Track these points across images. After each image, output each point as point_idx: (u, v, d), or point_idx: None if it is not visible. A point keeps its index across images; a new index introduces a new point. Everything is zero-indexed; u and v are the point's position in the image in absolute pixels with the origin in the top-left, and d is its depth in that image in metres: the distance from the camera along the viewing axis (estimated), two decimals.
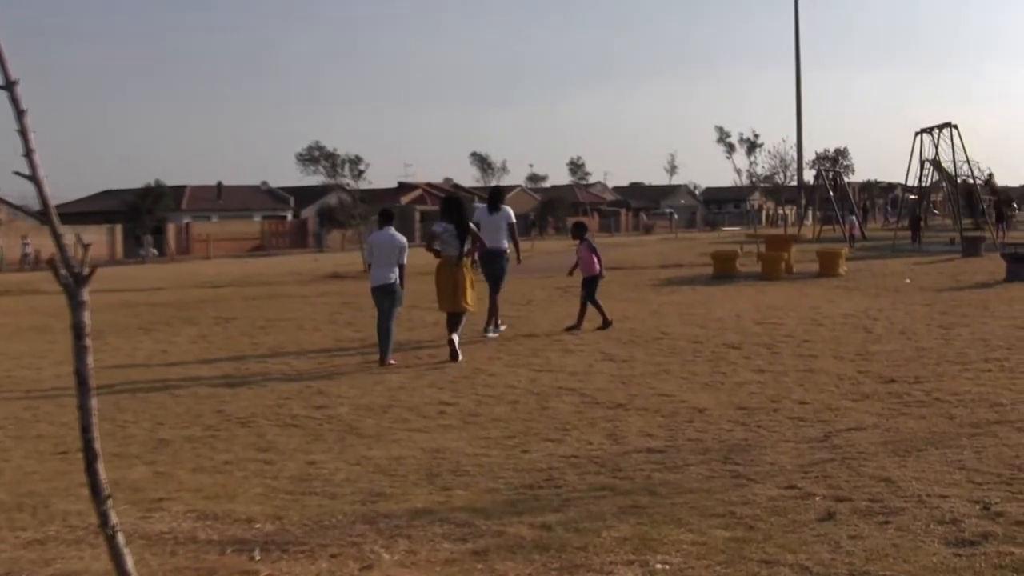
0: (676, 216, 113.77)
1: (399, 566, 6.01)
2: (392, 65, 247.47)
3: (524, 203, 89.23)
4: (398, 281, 14.90)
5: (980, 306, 19.01)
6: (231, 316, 22.63)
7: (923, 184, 48.05)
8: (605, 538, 6.28)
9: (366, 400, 11.66)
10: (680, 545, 6.11)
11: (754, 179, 66.35)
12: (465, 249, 14.93)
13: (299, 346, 16.79)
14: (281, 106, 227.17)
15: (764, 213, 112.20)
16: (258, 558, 6.22)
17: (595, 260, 17.68)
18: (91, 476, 4.11)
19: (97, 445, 4.18)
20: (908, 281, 25.33)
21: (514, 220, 17.59)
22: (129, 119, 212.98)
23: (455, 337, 14.69)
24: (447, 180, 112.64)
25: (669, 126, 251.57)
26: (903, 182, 51.50)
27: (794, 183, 70.53)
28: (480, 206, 18.41)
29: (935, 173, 47.91)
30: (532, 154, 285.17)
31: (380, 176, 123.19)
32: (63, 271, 4.02)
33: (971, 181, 47.97)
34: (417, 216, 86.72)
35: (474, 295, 15.12)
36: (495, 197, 18.10)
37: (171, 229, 77.64)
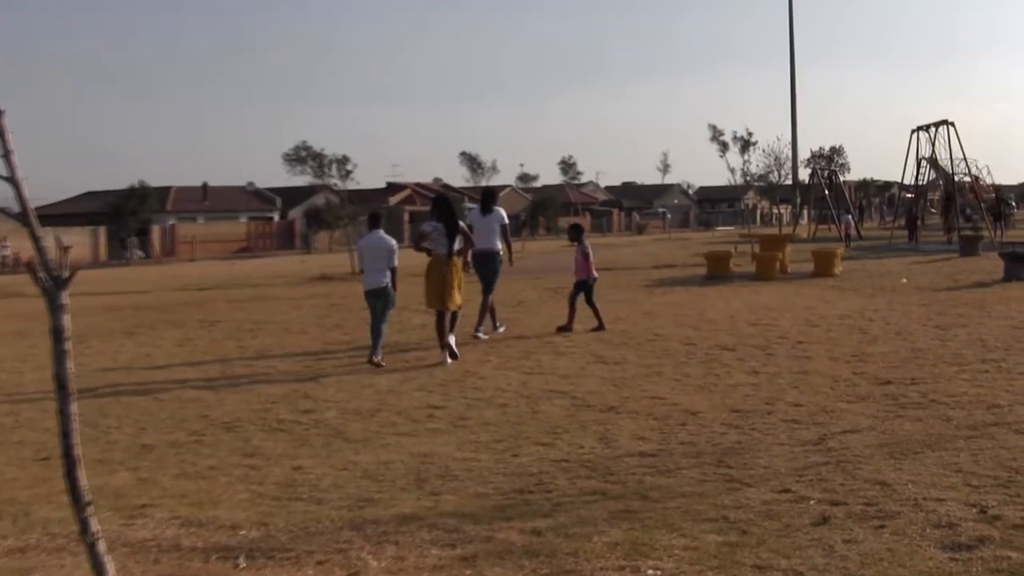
0: (669, 216, 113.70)
1: (386, 573, 6.01)
2: (380, 64, 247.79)
3: (515, 203, 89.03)
4: (390, 284, 14.93)
5: (977, 306, 19.04)
6: (217, 319, 22.61)
7: (920, 183, 48.12)
8: (596, 543, 6.28)
9: (354, 404, 11.65)
10: (672, 550, 6.11)
11: (748, 178, 66.57)
12: (456, 248, 14.92)
13: (286, 349, 16.77)
14: (267, 105, 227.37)
15: (758, 212, 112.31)
16: (243, 565, 6.22)
17: (588, 264, 17.69)
18: (71, 482, 4.11)
19: (78, 451, 4.18)
20: (905, 281, 25.36)
21: (507, 221, 17.63)
22: (113, 119, 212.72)
23: (451, 340, 14.73)
24: (436, 180, 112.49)
25: (662, 124, 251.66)
26: (900, 180, 51.52)
27: (789, 182, 70.73)
28: (473, 207, 18.45)
29: (932, 171, 47.99)
30: (523, 153, 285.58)
31: (368, 176, 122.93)
32: (42, 274, 4.02)
33: (966, 180, 48.06)
34: (406, 217, 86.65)
35: (462, 294, 15.11)
36: (488, 198, 18.14)
37: (156, 231, 77.47)
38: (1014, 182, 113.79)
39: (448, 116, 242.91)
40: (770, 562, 5.84)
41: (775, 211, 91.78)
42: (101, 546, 4.18)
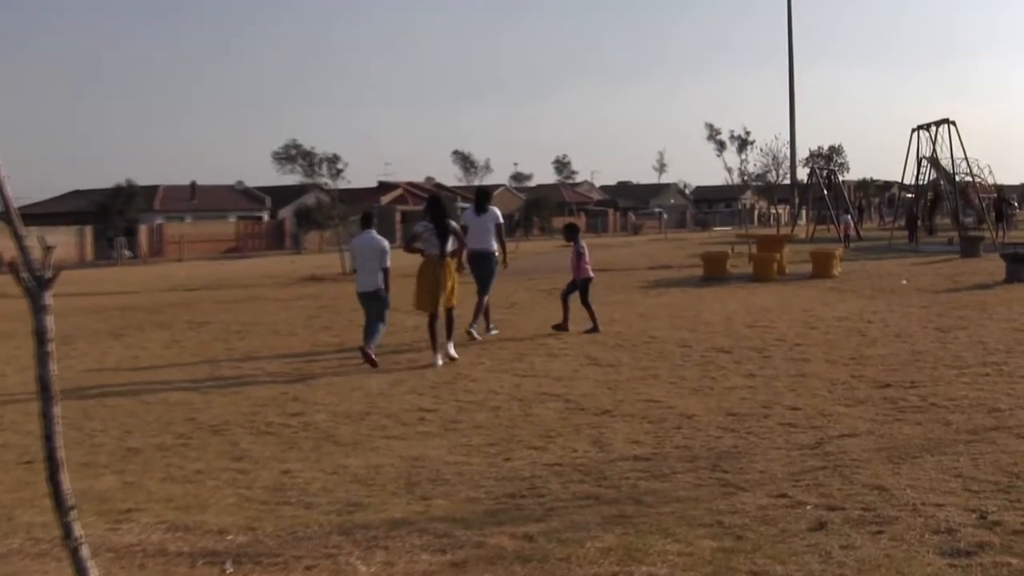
0: (665, 216, 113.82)
1: None
2: (372, 61, 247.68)
3: (509, 203, 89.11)
4: (383, 285, 14.95)
5: (978, 308, 19.06)
6: (205, 320, 22.60)
7: (920, 182, 48.16)
8: (589, 549, 6.28)
9: (343, 407, 11.65)
10: (666, 556, 6.12)
11: (746, 177, 66.58)
12: (448, 249, 14.91)
13: (275, 351, 16.76)
14: (257, 103, 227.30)
15: (756, 213, 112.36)
16: (230, 571, 6.22)
17: (578, 265, 17.71)
18: (54, 486, 4.11)
19: (61, 454, 4.17)
20: (904, 282, 25.37)
21: (501, 221, 17.64)
22: (99, 116, 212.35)
23: (450, 346, 14.78)
24: (429, 179, 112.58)
25: (658, 123, 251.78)
26: (900, 180, 51.55)
27: (787, 181, 70.67)
28: (466, 207, 18.45)
29: (933, 171, 48.03)
30: (516, 152, 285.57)
31: (359, 175, 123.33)
32: (25, 274, 4.02)
33: (968, 179, 48.14)
34: (398, 216, 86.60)
35: (457, 295, 15.11)
36: (481, 198, 18.11)
37: (143, 230, 77.34)
38: (1016, 182, 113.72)
39: (441, 114, 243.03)
40: (766, 568, 5.84)
41: (773, 211, 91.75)
42: (84, 551, 4.18)
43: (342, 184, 46.96)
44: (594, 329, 17.13)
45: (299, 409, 11.61)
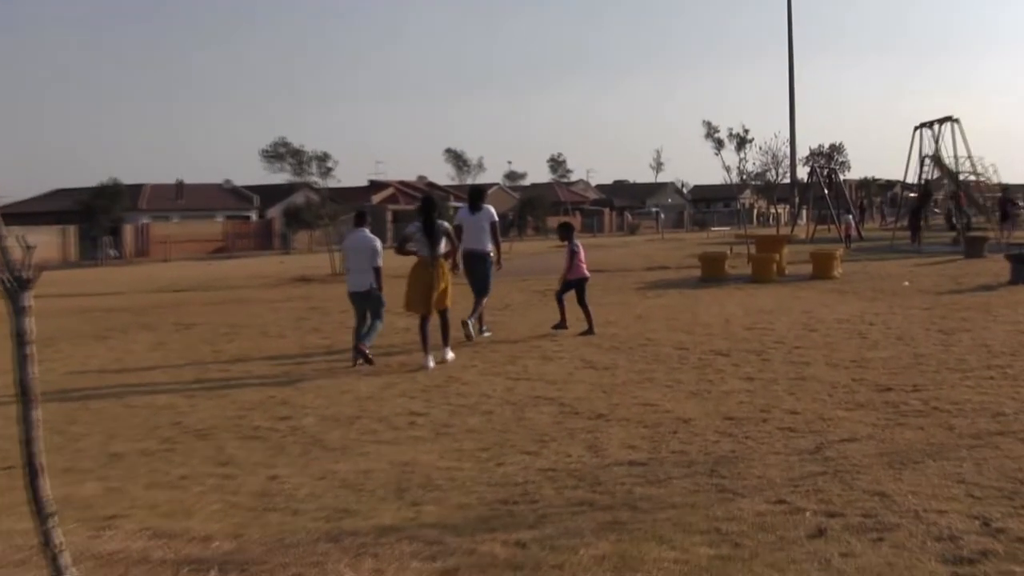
0: (663, 215, 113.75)
1: None
2: (363, 58, 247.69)
3: (502, 202, 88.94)
4: (375, 285, 14.97)
5: (982, 310, 19.07)
6: (191, 322, 22.58)
7: (923, 181, 48.17)
8: (583, 556, 6.27)
9: (333, 410, 11.64)
10: (662, 563, 6.11)
11: (744, 176, 66.44)
12: (441, 250, 14.89)
13: (263, 353, 16.75)
14: (245, 100, 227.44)
15: (755, 212, 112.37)
16: None
17: (576, 264, 17.72)
18: (33, 492, 4.09)
19: (41, 459, 4.16)
20: (907, 284, 25.40)
21: (496, 219, 17.63)
22: (83, 113, 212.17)
23: (448, 353, 14.81)
24: (421, 178, 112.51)
25: (655, 121, 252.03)
26: (902, 179, 51.59)
27: (787, 180, 70.60)
28: (459, 206, 18.46)
29: (936, 170, 48.02)
30: (510, 150, 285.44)
31: (350, 174, 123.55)
32: (4, 275, 4.00)
33: (972, 179, 48.12)
34: (389, 216, 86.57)
35: (449, 298, 15.11)
36: (476, 196, 18.10)
37: (128, 230, 77.25)
38: (1022, 181, 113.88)
39: (433, 111, 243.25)
40: None
41: (772, 211, 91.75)
42: (65, 559, 4.17)
43: (332, 183, 46.89)
44: (589, 331, 17.13)
45: (287, 413, 11.60)
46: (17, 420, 4.33)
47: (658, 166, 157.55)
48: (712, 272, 29.72)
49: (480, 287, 17.35)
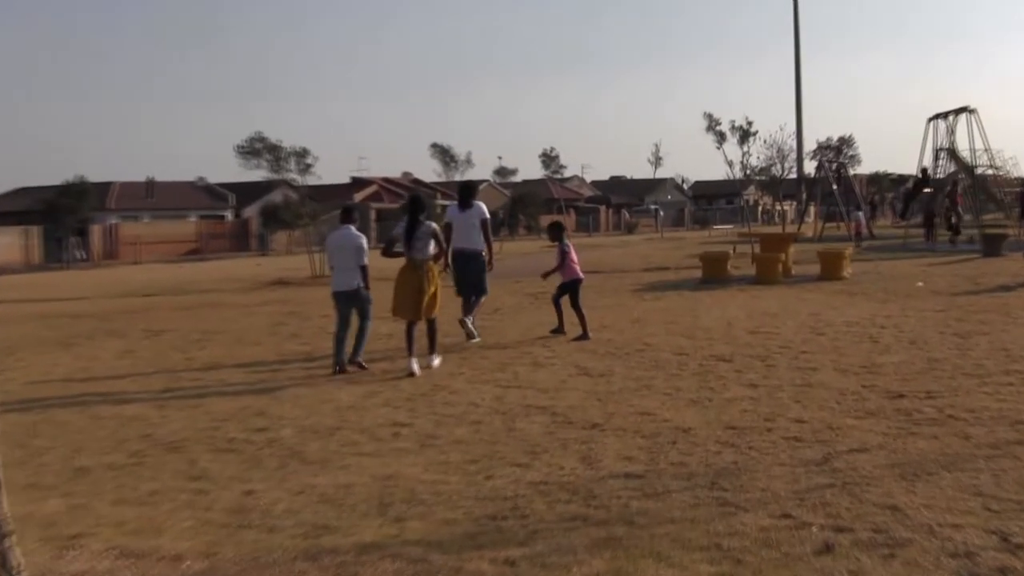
0: (662, 213, 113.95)
1: None
2: (344, 49, 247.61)
3: (492, 199, 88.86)
4: (362, 284, 14.98)
5: (1001, 312, 19.09)
6: (162, 328, 22.54)
7: (938, 176, 48.16)
8: (575, 574, 6.27)
9: (311, 421, 11.62)
10: None
11: (748, 171, 66.61)
12: (430, 253, 14.89)
13: (238, 361, 16.73)
14: (220, 94, 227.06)
15: (760, 209, 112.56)
16: None
17: (568, 265, 17.73)
18: None
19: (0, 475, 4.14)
20: (920, 284, 25.41)
21: (488, 217, 17.60)
22: (47, 108, 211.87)
23: (435, 359, 14.82)
24: (406, 174, 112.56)
25: (653, 113, 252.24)
26: (915, 174, 51.59)
27: (793, 176, 70.79)
28: (447, 204, 18.46)
29: (952, 163, 48.03)
30: (500, 145, 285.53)
31: (331, 171, 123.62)
32: None
33: (990, 172, 48.12)
34: (373, 214, 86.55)
35: (438, 305, 15.11)
36: (466, 192, 18.06)
37: (96, 231, 77.11)
38: None
39: (419, 105, 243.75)
40: None
41: (778, 208, 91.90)
42: None
43: (312, 180, 46.84)
44: (584, 336, 17.13)
45: (263, 424, 11.58)
46: None
47: (657, 161, 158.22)
48: (714, 273, 29.71)
49: (475, 287, 17.36)
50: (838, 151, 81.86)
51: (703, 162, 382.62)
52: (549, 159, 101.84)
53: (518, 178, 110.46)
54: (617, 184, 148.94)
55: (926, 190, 48.97)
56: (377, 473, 9.16)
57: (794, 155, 68.93)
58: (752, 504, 7.64)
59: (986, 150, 46.31)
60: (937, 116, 45.74)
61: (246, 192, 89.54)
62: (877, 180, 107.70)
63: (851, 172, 72.63)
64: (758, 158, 67.64)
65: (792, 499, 7.72)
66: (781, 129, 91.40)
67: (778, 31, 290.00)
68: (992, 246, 35.48)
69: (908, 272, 29.65)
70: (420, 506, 8.06)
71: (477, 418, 11.41)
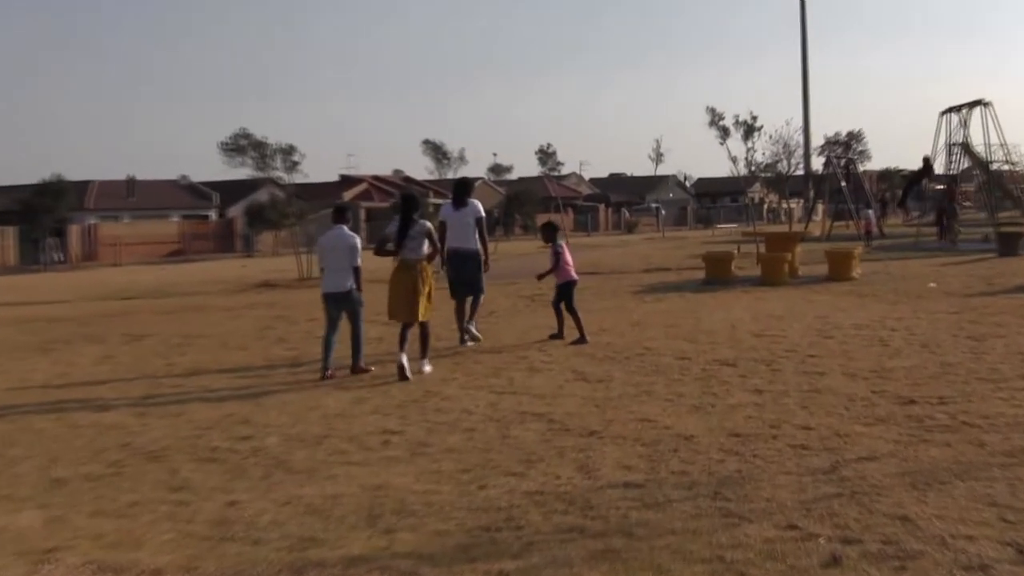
0: (663, 211, 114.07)
1: None
2: (332, 45, 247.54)
3: (487, 197, 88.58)
4: (354, 287, 15.00)
5: (1017, 314, 19.12)
6: (143, 333, 22.52)
7: (951, 171, 48.21)
8: None
9: (298, 429, 11.61)
10: None
11: (753, 168, 66.49)
12: (423, 252, 14.90)
13: (222, 367, 16.72)
14: (203, 90, 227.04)
15: (765, 207, 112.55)
16: None
17: (554, 266, 17.73)
18: None
19: None
20: (933, 285, 25.43)
21: (483, 215, 17.60)
22: (23, 104, 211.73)
23: (426, 365, 14.84)
24: (396, 172, 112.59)
25: (654, 108, 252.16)
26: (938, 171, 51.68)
27: (800, 172, 70.71)
28: (440, 203, 18.47)
29: (966, 159, 48.06)
30: (495, 142, 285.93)
31: (318, 168, 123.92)
32: None
33: (1006, 168, 48.18)
34: (363, 214, 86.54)
35: (433, 305, 15.12)
36: (461, 190, 18.04)
37: (74, 231, 77.07)
38: None
39: (410, 101, 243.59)
40: None
41: (784, 206, 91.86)
42: None
43: (299, 178, 46.75)
44: (581, 340, 17.13)
45: (248, 432, 11.57)
46: None
47: (658, 157, 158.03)
48: (717, 273, 29.73)
49: (471, 286, 17.36)
50: (847, 146, 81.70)
51: (706, 159, 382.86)
52: (546, 156, 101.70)
53: (513, 175, 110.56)
54: (617, 181, 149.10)
55: (938, 186, 49.03)
56: (366, 483, 9.16)
57: (801, 151, 68.84)
58: (756, 515, 7.63)
59: (1002, 145, 46.40)
60: (950, 109, 45.85)
61: (230, 191, 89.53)
62: (888, 176, 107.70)
63: (861, 168, 72.58)
64: (763, 154, 67.55)
65: (798, 509, 7.71)
66: (787, 124, 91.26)
67: (785, 24, 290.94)
68: (1008, 245, 35.49)
69: (920, 272, 29.68)
70: (411, 517, 8.05)
71: (470, 425, 11.41)
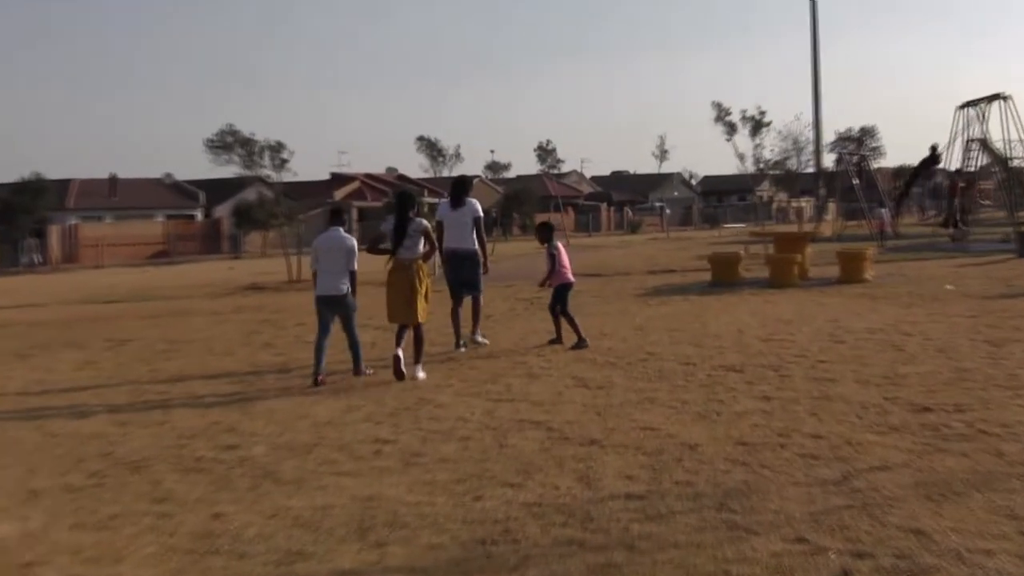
0: (668, 211, 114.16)
1: None
2: (322, 38, 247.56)
3: (484, 196, 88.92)
4: (349, 290, 15.02)
5: None
6: (125, 338, 22.51)
7: (969, 168, 48.17)
8: None
9: (286, 438, 11.60)
10: None
11: (762, 165, 66.64)
12: (419, 252, 14.92)
13: (207, 373, 16.71)
14: (189, 86, 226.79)
15: (774, 206, 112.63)
16: None
17: (551, 269, 17.72)
18: None
19: None
20: (950, 287, 25.44)
21: (481, 214, 17.60)
22: (1, 100, 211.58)
23: (420, 372, 14.84)
24: (390, 170, 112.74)
25: (659, 103, 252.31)
26: (945, 166, 51.67)
27: (811, 169, 70.84)
28: (437, 202, 18.49)
29: (984, 155, 48.00)
30: (493, 138, 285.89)
31: (308, 166, 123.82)
32: None
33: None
34: (355, 213, 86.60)
35: (429, 306, 15.13)
36: (459, 188, 18.05)
37: (54, 232, 77.10)
38: None
39: (403, 97, 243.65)
40: None
41: (794, 204, 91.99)
42: None
43: (288, 176, 46.90)
44: (580, 343, 17.12)
45: (234, 441, 11.56)
46: None
47: (662, 154, 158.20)
48: (724, 275, 29.75)
49: (469, 285, 17.39)
50: (860, 142, 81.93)
51: (713, 155, 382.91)
52: (545, 153, 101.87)
53: (511, 173, 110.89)
54: (619, 179, 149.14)
55: (960, 185, 49.00)
56: (357, 494, 9.15)
57: (811, 147, 69.00)
58: (764, 527, 7.63)
59: (1021, 140, 46.30)
60: (967, 104, 45.77)
61: (217, 190, 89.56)
62: (902, 174, 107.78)
63: (874, 165, 72.70)
64: (772, 150, 67.75)
65: (807, 522, 7.71)
66: (797, 119, 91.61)
67: (795, 15, 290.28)
68: None
69: (936, 274, 29.68)
70: (403, 530, 8.04)
71: (466, 434, 11.40)
